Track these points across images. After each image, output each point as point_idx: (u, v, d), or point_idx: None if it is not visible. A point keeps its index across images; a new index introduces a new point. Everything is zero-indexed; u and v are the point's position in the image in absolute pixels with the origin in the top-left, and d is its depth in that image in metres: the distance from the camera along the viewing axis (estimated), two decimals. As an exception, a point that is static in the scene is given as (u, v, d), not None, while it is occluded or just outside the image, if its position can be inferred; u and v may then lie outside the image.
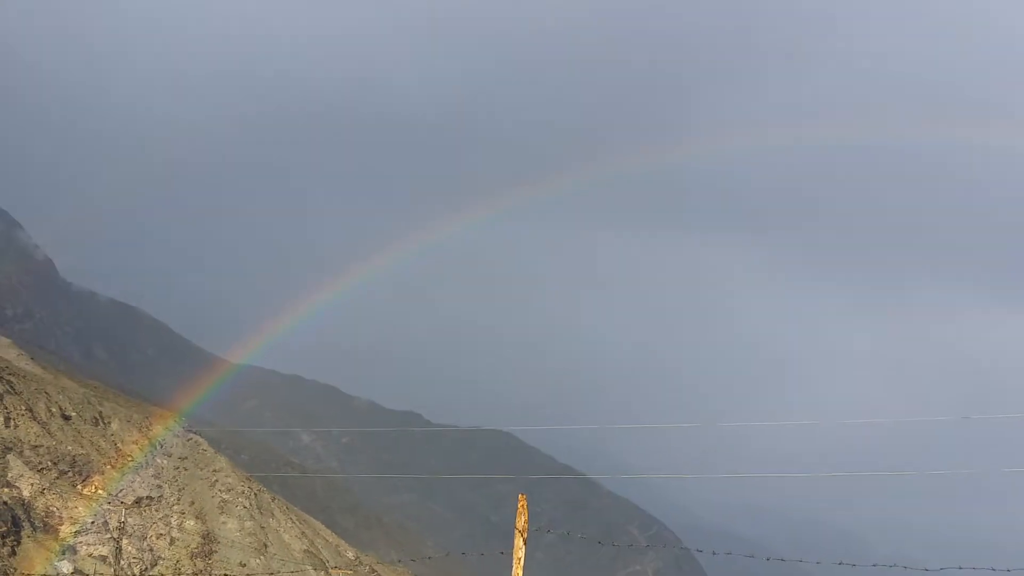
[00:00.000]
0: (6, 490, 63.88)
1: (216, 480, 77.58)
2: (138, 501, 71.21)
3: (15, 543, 61.10)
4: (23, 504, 63.62)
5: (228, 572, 64.96)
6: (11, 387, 71.23)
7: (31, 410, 71.08)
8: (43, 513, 64.55)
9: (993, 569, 24.46)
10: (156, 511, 71.07)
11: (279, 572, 68.60)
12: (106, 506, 67.67)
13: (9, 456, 66.39)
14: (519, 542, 19.02)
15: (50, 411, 72.67)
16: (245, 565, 69.96)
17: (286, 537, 78.86)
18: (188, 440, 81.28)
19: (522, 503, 19.10)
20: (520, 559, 19.15)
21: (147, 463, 74.70)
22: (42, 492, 65.38)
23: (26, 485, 64.85)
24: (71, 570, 61.72)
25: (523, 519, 19.02)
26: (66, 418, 73.37)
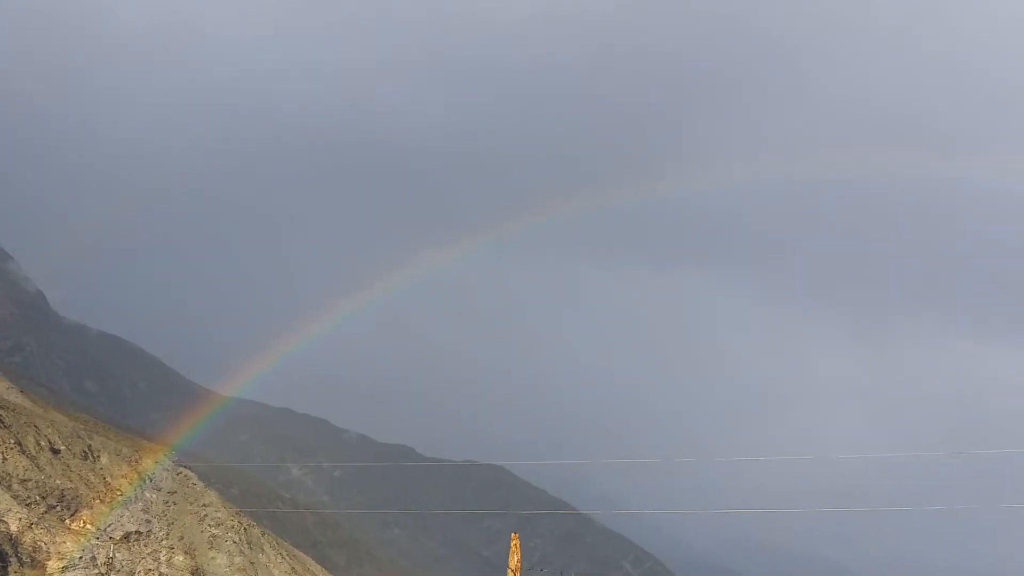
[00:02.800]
0: (-7, 525, 63.24)
1: (206, 515, 76.97)
2: (127, 536, 70.57)
3: (1, 579, 60.42)
4: (10, 539, 62.98)
5: (217, 609, 64.22)
6: (0, 420, 70.77)
7: (20, 443, 70.58)
8: (31, 548, 63.91)
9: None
10: (145, 546, 70.43)
11: (269, 608, 67.84)
12: (94, 541, 67.06)
13: (-3, 490, 65.79)
14: (511, 580, 18.84)
15: (39, 444, 72.19)
16: (234, 601, 69.27)
17: (276, 573, 78.15)
18: (178, 474, 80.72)
19: (515, 542, 18.94)
20: (512, 597, 18.95)
21: (136, 497, 74.14)
22: (30, 527, 64.78)
23: (13, 520, 64.24)
24: (58, 607, 61.04)
25: (516, 558, 18.86)
26: (55, 452, 72.87)
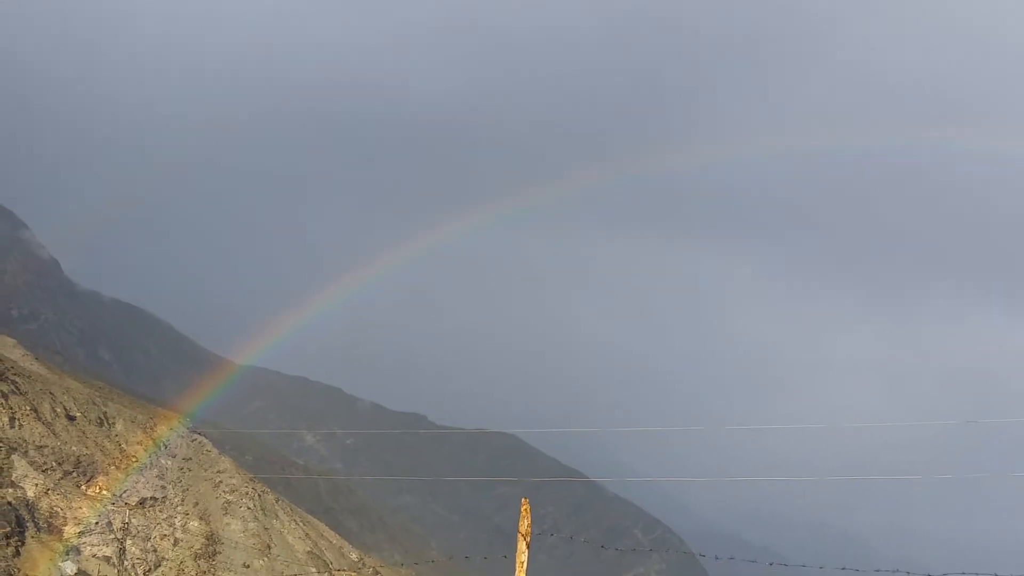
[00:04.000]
0: (10, 490, 63.95)
1: (220, 481, 77.68)
2: (142, 502, 71.31)
3: (19, 544, 61.19)
4: (27, 504, 63.72)
5: (231, 573, 65.07)
6: (16, 387, 71.39)
7: (36, 410, 71.23)
8: (47, 513, 64.67)
9: (996, 574, 24.40)
10: (160, 512, 71.18)
11: (282, 574, 68.65)
12: (110, 507, 67.79)
13: (14, 456, 66.50)
14: (522, 546, 19.03)
15: (55, 411, 72.85)
16: (249, 566, 70.04)
17: (290, 538, 78.93)
18: (192, 441, 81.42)
19: (525, 507, 19.12)
20: (523, 563, 19.16)
21: (151, 464, 74.83)
22: (46, 492, 65.51)
23: (30, 485, 64.96)
24: (75, 571, 61.81)
25: (526, 523, 19.03)
26: (71, 418, 73.53)
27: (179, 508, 72.75)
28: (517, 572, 19.19)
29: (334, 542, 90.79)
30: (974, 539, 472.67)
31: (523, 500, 19.52)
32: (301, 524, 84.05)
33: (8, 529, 62.17)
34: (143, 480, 72.73)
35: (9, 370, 73.93)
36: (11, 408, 69.61)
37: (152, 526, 69.79)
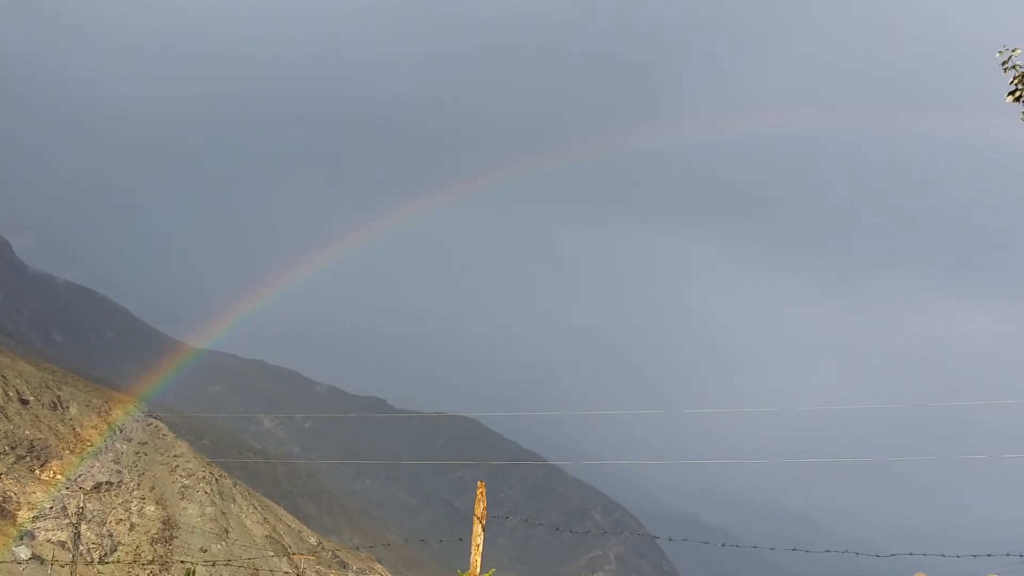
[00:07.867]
0: (-38, 475, 63.11)
1: (177, 465, 77.17)
2: (97, 486, 70.66)
3: (-29, 529, 60.47)
4: (-21, 489, 62.89)
5: (188, 558, 64.80)
6: (-33, 371, 70.33)
7: (-12, 394, 70.20)
8: (0, 498, 63.87)
9: (943, 555, 24.90)
10: (116, 496, 70.58)
11: (240, 558, 68.49)
12: (65, 491, 67.12)
13: (-35, 441, 65.57)
14: (477, 528, 19.21)
15: (7, 395, 71.85)
16: (206, 551, 69.76)
17: (248, 523, 78.65)
18: (148, 425, 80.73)
19: (481, 490, 19.32)
20: (479, 545, 19.34)
21: (107, 448, 74.13)
22: (-1, 477, 64.67)
23: (-17, 470, 64.09)
24: (29, 556, 61.21)
25: (482, 506, 19.24)
26: (24, 402, 72.56)
27: (135, 492, 72.19)
28: (473, 555, 19.39)
29: (292, 526, 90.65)
30: (924, 520, 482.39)
31: (480, 483, 19.70)
32: (259, 508, 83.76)
33: (-40, 514, 61.43)
34: (98, 464, 72.05)
35: (-40, 353, 72.85)
36: (-38, 392, 68.68)
37: (107, 511, 69.21)
